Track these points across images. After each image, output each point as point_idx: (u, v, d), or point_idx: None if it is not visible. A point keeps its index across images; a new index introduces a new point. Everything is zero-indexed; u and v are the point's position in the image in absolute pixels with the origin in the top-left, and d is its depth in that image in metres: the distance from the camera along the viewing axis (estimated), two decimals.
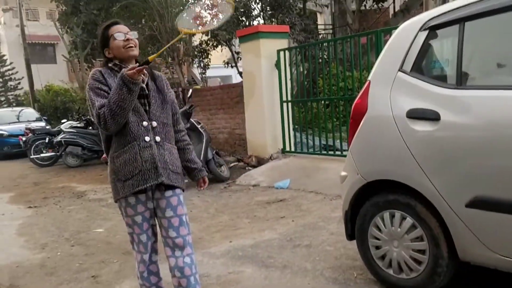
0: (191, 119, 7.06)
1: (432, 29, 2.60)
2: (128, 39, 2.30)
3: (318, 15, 18.68)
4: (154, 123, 2.33)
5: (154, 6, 9.75)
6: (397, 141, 2.63)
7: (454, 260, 2.51)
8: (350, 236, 3.05)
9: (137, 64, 2.21)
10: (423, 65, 2.66)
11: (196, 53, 12.13)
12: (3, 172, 10.54)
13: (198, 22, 2.46)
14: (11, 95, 27.11)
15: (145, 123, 2.30)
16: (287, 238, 4.02)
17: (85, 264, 3.79)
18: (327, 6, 15.34)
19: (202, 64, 12.89)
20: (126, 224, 2.39)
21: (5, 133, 13.39)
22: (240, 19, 10.45)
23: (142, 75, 2.21)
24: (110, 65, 2.34)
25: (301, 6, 13.17)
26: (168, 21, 9.81)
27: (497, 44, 2.44)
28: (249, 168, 7.53)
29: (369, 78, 2.92)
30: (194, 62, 12.62)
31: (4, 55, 27.68)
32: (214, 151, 7.20)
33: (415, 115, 2.56)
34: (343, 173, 3.06)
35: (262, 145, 7.68)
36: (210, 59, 13.13)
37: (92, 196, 6.83)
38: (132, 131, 2.27)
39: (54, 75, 24.02)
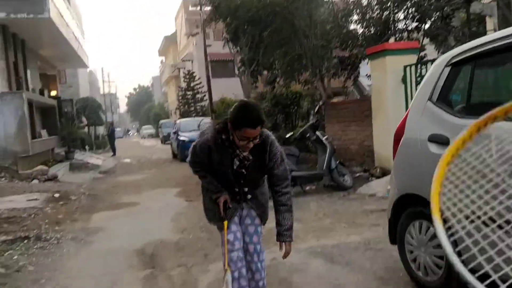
0: (316, 132, 7.88)
1: (454, 65, 2.98)
2: (247, 145, 2.54)
3: (487, 19, 17.31)
4: (246, 189, 2.77)
5: (300, 28, 10.83)
6: (420, 161, 3.07)
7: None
8: (393, 241, 3.52)
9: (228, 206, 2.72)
10: (445, 97, 3.04)
11: (343, 66, 12.83)
12: (181, 172, 12.89)
13: None
14: (198, 105, 31.75)
15: (236, 189, 2.76)
16: (366, 242, 4.55)
17: (204, 245, 4.96)
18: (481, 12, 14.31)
19: (352, 77, 13.53)
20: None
21: (186, 139, 15.99)
22: (382, 34, 10.77)
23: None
24: (223, 137, 2.60)
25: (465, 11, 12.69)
26: (312, 41, 10.76)
27: (500, 80, 2.72)
28: (373, 178, 7.96)
29: (409, 106, 3.37)
30: (344, 74, 13.28)
31: (193, 72, 32.57)
32: (338, 161, 7.85)
33: (433, 139, 2.98)
34: (388, 187, 3.55)
35: (387, 157, 7.99)
36: (359, 71, 13.68)
37: None
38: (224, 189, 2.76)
39: (232, 88, 27.36)
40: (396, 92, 7.80)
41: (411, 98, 7.63)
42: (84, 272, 4.33)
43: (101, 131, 34.33)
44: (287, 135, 8.90)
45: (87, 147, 22.30)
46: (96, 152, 23.58)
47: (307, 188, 8.08)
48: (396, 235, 3.46)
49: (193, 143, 2.78)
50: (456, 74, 2.99)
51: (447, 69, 3.02)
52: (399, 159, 3.37)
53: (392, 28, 10.75)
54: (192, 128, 16.86)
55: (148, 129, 52.04)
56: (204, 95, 30.82)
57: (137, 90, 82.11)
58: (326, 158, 7.63)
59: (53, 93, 20.57)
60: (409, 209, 3.27)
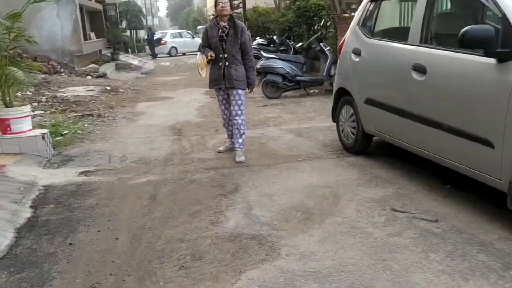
0: (321, 43, 9.31)
1: (373, 1, 4.45)
2: (222, 7, 4.57)
3: None
4: (226, 55, 4.66)
5: None
6: (347, 65, 4.69)
7: (364, 133, 4.57)
8: (334, 120, 5.24)
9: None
10: (365, 23, 4.55)
11: None
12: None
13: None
14: (235, 13, 32.42)
15: (220, 55, 4.67)
16: (329, 127, 6.23)
17: (217, 125, 6.81)
18: None
19: None
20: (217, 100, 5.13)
21: None
22: None
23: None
24: (213, 20, 4.79)
25: None
26: None
27: (391, 15, 4.22)
28: None
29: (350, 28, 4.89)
30: None
31: None
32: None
33: (354, 51, 4.56)
34: (334, 84, 5.20)
35: None
36: None
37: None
38: (215, 59, 4.72)
39: None
40: None
41: None
42: (133, 135, 6.36)
43: (142, 34, 35.96)
44: (297, 45, 10.32)
45: (129, 50, 24.20)
46: (137, 55, 25.54)
47: (311, 91, 9.73)
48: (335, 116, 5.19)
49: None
50: (373, 7, 4.47)
51: (369, 4, 4.50)
52: (339, 64, 4.98)
53: None
54: None
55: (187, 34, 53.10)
56: (240, 3, 31.48)
57: None
58: (327, 65, 9.14)
59: None
60: (342, 98, 4.94)
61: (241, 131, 4.87)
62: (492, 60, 2.88)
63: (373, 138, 4.72)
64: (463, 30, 2.87)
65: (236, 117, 4.83)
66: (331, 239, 2.95)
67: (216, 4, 4.66)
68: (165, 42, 27.47)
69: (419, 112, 3.60)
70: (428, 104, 3.52)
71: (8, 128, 4.81)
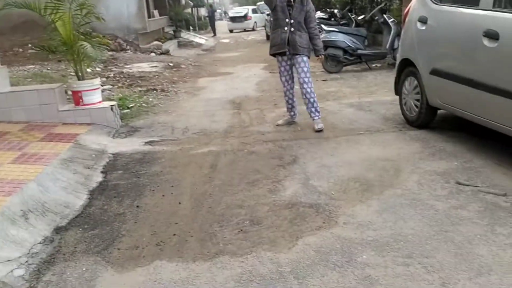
0: (384, 15, 8.96)
1: None
2: None
3: None
4: (292, 21, 4.72)
5: None
6: (412, 35, 4.50)
7: (428, 105, 4.39)
8: (396, 92, 5.06)
9: None
10: None
11: None
12: None
13: None
14: None
15: (287, 20, 4.72)
16: (392, 101, 6.02)
17: (276, 99, 6.83)
18: None
19: None
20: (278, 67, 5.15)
21: None
22: None
23: None
24: None
25: None
26: None
27: None
28: None
29: None
30: None
31: None
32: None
33: (420, 19, 4.35)
34: (398, 55, 5.01)
35: None
36: None
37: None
38: (280, 23, 4.78)
39: None
40: None
41: None
42: (194, 108, 6.54)
43: (203, 12, 36.35)
44: (359, 18, 10.00)
45: (191, 27, 24.61)
46: (198, 33, 25.92)
47: (374, 65, 9.44)
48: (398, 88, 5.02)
49: None
50: None
51: None
52: (403, 34, 4.79)
53: None
54: None
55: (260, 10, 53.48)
56: None
57: None
58: (390, 38, 8.78)
59: None
60: (405, 69, 4.76)
61: (312, 99, 4.89)
62: None
63: (438, 111, 4.53)
64: None
65: (304, 85, 4.84)
66: (390, 210, 2.91)
67: None
68: (251, 17, 28.89)
69: (490, 82, 3.40)
70: (500, 72, 3.31)
71: (81, 100, 5.12)
